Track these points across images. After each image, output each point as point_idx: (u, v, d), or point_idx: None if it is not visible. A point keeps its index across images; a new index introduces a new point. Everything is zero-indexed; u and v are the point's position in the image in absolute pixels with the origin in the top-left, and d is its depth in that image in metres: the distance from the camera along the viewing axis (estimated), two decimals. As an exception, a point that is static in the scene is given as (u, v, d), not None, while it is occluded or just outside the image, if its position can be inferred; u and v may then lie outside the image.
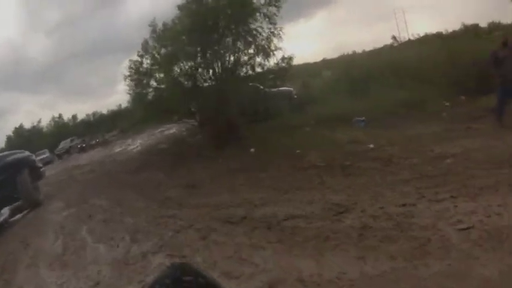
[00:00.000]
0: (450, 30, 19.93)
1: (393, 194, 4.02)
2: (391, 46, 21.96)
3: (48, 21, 64.57)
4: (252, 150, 8.06)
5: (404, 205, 3.62)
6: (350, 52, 28.71)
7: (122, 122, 32.40)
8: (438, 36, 19.30)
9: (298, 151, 7.16)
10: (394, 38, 22.60)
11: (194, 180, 6.78)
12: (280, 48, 9.84)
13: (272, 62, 10.13)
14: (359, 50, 27.91)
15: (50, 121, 39.17)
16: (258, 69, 10.30)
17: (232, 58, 10.08)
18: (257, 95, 11.17)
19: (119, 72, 58.33)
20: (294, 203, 4.44)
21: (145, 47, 10.44)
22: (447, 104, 9.20)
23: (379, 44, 31.32)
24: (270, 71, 10.59)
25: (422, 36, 19.57)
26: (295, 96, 13.92)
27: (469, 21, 19.33)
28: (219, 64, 9.91)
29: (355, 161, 5.77)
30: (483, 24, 19.66)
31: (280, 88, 12.05)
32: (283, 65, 10.62)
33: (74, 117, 39.78)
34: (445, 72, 10.45)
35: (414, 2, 52.99)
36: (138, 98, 10.52)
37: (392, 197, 3.94)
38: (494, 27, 18.11)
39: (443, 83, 10.10)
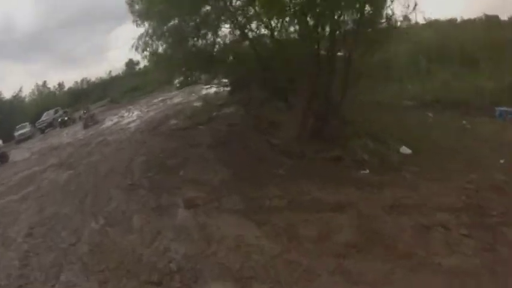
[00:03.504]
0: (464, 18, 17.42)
1: None
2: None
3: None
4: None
5: None
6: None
7: (113, 91, 28.78)
8: (452, 22, 17.28)
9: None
10: (407, 18, 18.42)
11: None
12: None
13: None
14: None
15: (32, 89, 34.06)
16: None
17: None
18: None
19: (109, 40, 53.76)
20: None
21: None
22: None
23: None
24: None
25: (434, 21, 16.36)
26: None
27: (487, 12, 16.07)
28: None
29: None
30: (503, 17, 16.06)
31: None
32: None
33: (61, 85, 35.07)
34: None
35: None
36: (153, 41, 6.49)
37: None
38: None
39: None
